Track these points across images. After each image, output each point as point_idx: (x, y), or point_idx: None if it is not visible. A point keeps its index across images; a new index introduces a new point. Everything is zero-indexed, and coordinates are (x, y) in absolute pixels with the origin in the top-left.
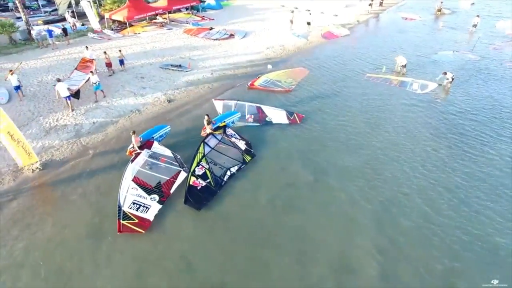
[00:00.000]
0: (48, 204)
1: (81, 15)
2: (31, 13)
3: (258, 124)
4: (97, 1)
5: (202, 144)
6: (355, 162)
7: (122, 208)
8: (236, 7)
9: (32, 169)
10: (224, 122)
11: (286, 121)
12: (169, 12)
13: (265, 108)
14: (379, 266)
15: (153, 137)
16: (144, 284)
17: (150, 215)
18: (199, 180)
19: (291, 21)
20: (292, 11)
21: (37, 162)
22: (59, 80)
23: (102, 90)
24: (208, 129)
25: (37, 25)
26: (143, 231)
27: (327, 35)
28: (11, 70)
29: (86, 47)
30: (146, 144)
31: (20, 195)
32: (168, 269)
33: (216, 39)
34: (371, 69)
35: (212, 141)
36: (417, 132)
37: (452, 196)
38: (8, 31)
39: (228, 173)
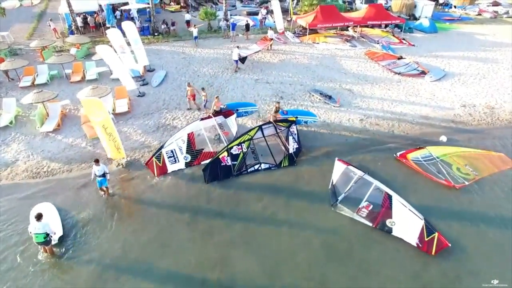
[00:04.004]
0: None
1: (284, 11)
2: (247, 2)
3: (370, 224)
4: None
5: (257, 128)
6: None
7: (162, 150)
8: (457, 33)
9: (118, 163)
10: (297, 117)
11: (413, 242)
12: (365, 26)
13: (396, 204)
14: None
15: (237, 109)
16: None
17: (171, 168)
18: (228, 158)
19: None
20: None
21: (124, 158)
22: (237, 47)
23: (106, 187)
24: (272, 118)
25: (240, 15)
26: (156, 176)
27: None
28: (195, 25)
29: (270, 28)
30: (225, 113)
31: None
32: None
33: (399, 73)
34: None
35: (268, 130)
36: None
37: None
38: (209, 18)
39: (256, 167)
